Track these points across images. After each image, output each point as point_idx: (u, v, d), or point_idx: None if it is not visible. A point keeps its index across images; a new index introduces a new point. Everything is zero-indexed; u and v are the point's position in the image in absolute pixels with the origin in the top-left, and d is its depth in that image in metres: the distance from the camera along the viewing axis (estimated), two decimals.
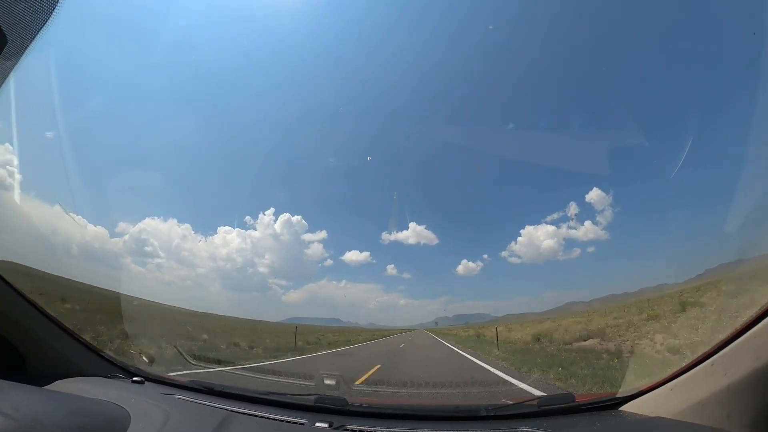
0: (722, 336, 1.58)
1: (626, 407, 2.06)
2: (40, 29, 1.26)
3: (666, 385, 1.87)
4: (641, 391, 2.04)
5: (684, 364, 1.78)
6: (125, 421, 1.70)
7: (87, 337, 2.62)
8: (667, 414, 1.74)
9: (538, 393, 5.67)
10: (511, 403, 2.35)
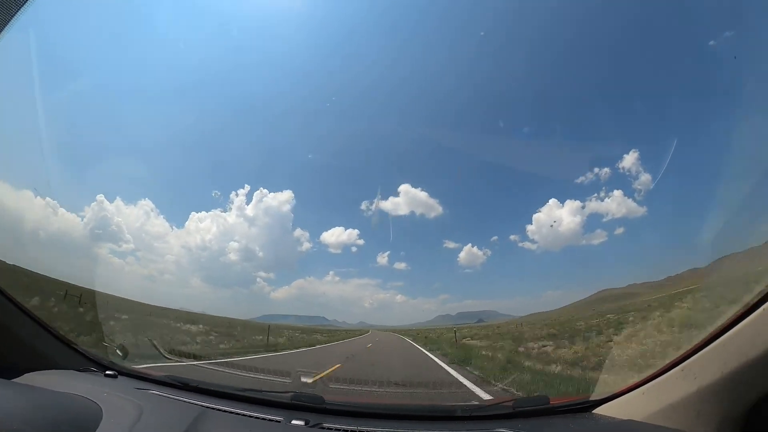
0: (693, 343, 1.64)
1: (599, 410, 2.11)
2: (19, 8, 1.24)
3: (639, 388, 1.92)
4: (614, 394, 2.08)
5: (656, 369, 1.84)
6: (97, 416, 1.66)
7: (59, 329, 2.57)
8: (639, 417, 1.79)
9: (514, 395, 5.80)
10: (487, 404, 2.40)
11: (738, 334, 1.43)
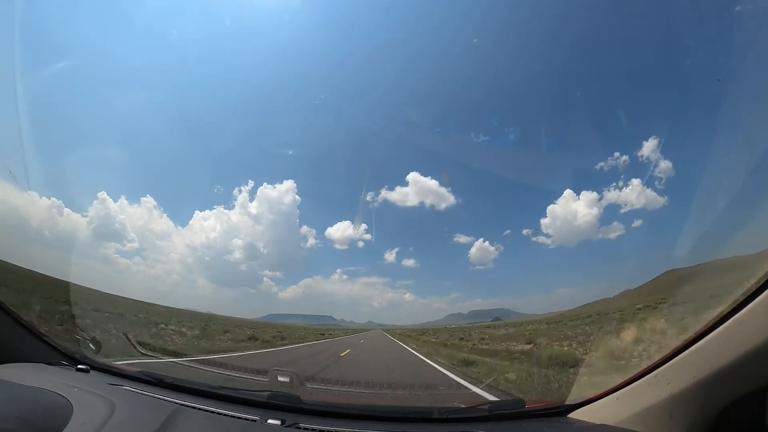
0: (666, 350, 1.69)
1: (574, 414, 2.15)
2: None
3: (613, 394, 1.96)
4: (589, 399, 2.13)
5: (630, 375, 1.88)
6: (67, 412, 1.62)
7: (29, 320, 2.50)
8: (613, 422, 1.83)
9: (491, 398, 5.89)
10: (463, 406, 2.44)
11: (710, 343, 1.48)
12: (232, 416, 2.01)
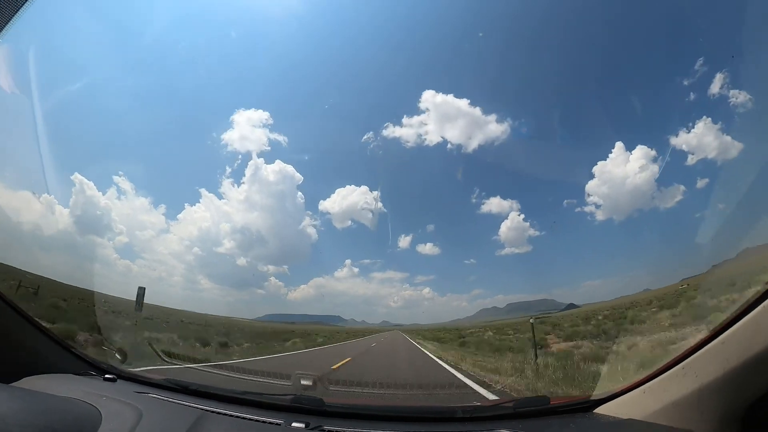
0: (693, 341, 1.65)
1: (600, 409, 2.11)
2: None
3: (639, 387, 1.92)
4: (615, 393, 2.09)
5: (656, 368, 1.84)
6: (96, 420, 1.66)
7: (57, 332, 2.56)
8: (640, 416, 1.79)
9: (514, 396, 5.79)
10: (487, 404, 2.42)
11: (739, 332, 1.43)
12: (257, 420, 2.04)
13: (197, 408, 2.14)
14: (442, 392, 6.16)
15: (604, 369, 7.64)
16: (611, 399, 2.10)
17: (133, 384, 2.57)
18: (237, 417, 2.07)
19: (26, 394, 1.75)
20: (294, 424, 1.97)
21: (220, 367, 7.24)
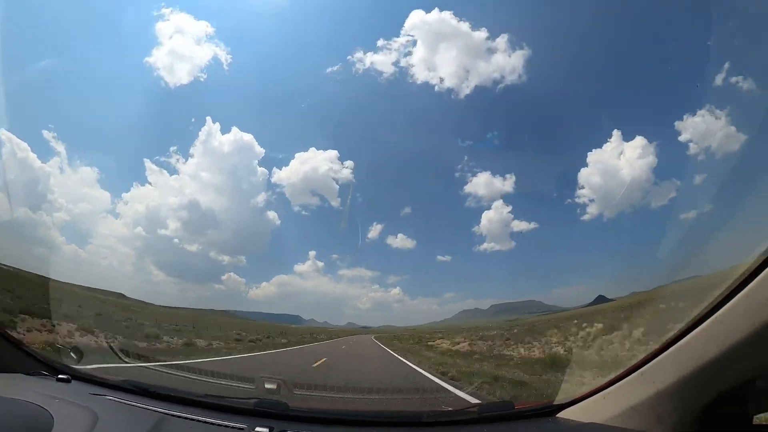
0: (651, 349, 1.73)
1: (563, 414, 2.17)
2: None
3: (600, 393, 1.99)
4: (577, 398, 2.15)
5: (616, 374, 1.91)
6: (47, 424, 1.59)
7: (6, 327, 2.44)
8: (601, 420, 1.86)
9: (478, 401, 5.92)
10: (452, 410, 2.48)
11: (693, 339, 1.51)
12: (219, 424, 2.00)
13: (157, 411, 2.08)
14: (409, 397, 6.21)
15: (566, 375, 7.97)
16: (573, 404, 2.16)
17: (89, 385, 2.47)
18: (198, 421, 2.02)
19: None
20: (258, 429, 1.93)
21: (180, 367, 7.01)
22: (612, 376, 1.95)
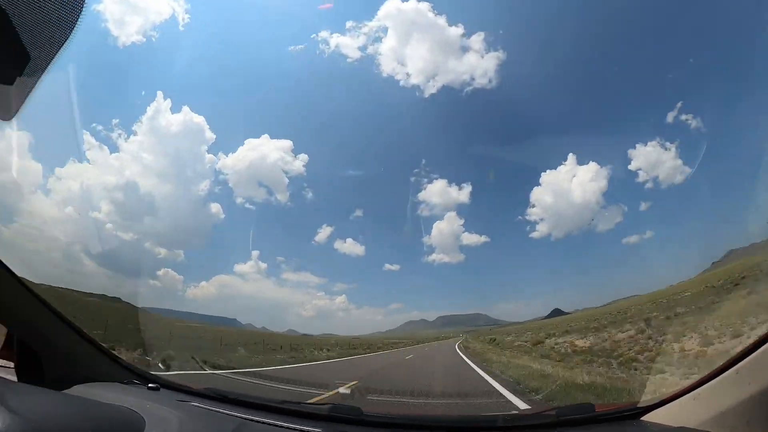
0: (748, 342, 1.53)
1: (648, 417, 2.02)
2: (60, 46, 1.31)
3: (689, 393, 1.82)
4: (663, 400, 1.99)
5: (708, 372, 1.73)
6: (140, 427, 1.72)
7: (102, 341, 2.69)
8: (691, 424, 1.69)
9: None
10: (528, 413, 2.34)
11: None
12: (295, 429, 2.05)
13: (237, 416, 2.17)
14: (480, 401, 6.03)
15: (651, 375, 7.22)
16: (660, 406, 2.00)
17: (176, 393, 2.65)
18: (276, 425, 2.09)
19: (77, 400, 1.85)
20: None
21: (255, 375, 7.40)
22: (704, 374, 1.77)
